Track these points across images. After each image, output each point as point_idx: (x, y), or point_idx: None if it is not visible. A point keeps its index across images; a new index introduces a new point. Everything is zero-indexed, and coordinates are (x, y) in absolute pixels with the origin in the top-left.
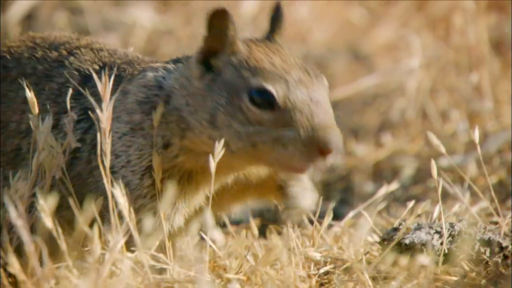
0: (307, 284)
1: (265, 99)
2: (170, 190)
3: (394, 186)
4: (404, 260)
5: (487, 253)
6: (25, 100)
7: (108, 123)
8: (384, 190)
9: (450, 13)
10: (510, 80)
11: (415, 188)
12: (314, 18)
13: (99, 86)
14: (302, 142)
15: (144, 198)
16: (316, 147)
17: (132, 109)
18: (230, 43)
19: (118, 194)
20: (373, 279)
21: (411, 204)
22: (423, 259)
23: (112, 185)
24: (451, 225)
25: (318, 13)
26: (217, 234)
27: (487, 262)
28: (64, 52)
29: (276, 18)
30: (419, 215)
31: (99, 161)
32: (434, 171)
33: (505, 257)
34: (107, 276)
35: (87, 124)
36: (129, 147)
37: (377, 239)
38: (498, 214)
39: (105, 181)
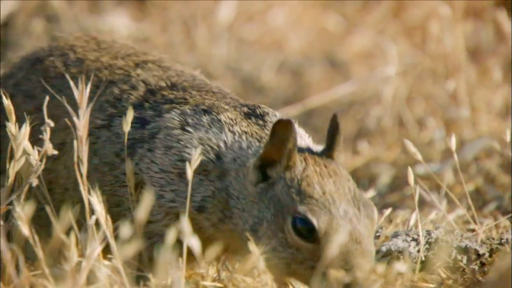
0: None
1: (307, 229)
2: (147, 199)
3: (370, 193)
4: (381, 267)
5: (464, 261)
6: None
7: (85, 130)
8: None
9: (426, 20)
10: (486, 88)
11: (391, 195)
12: (290, 26)
13: (76, 93)
14: (333, 280)
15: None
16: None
17: (184, 160)
18: (287, 156)
19: (95, 201)
20: None
21: (387, 211)
22: (400, 266)
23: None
24: (428, 233)
25: (294, 20)
26: (194, 241)
27: (464, 270)
28: (131, 64)
29: (332, 131)
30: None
31: (76, 167)
32: (411, 179)
33: (482, 265)
34: (83, 283)
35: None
36: (163, 183)
37: None
38: (475, 222)
39: (81, 188)
